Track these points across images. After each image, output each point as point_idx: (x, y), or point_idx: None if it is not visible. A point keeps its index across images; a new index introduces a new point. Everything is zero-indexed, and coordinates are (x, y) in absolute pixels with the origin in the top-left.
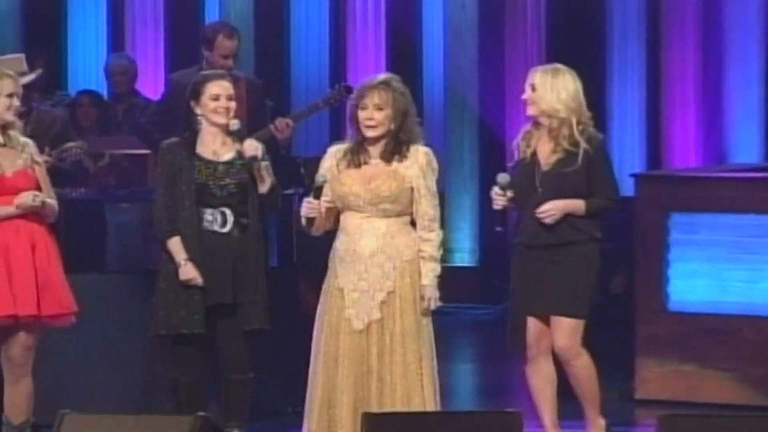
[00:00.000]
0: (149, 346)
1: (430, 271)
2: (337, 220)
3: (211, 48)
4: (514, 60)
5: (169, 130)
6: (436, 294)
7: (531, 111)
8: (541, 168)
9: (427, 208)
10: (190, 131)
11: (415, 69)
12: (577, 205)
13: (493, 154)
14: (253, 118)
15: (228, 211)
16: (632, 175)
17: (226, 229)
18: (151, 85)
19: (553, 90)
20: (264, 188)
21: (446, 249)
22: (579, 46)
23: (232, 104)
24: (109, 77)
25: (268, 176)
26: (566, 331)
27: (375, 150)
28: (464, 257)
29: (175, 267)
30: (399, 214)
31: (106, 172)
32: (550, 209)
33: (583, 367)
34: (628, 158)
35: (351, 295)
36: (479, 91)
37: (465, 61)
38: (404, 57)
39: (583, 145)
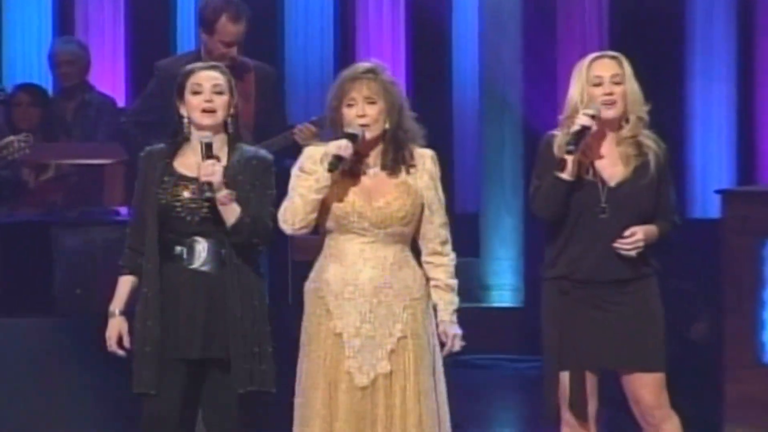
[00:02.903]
0: (112, 408)
1: (450, 304)
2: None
3: (211, 32)
4: (567, 49)
5: (156, 132)
6: (460, 331)
7: (614, 113)
8: (607, 183)
9: (440, 227)
10: (178, 137)
11: (442, 60)
12: (653, 232)
13: None
14: (266, 118)
15: (201, 241)
16: (718, 191)
17: (196, 264)
18: (109, 76)
19: (633, 80)
20: (227, 222)
21: (482, 286)
22: (651, 34)
23: (221, 100)
24: (54, 67)
25: (230, 209)
26: (654, 387)
27: (372, 156)
28: (504, 296)
29: (145, 291)
30: (405, 240)
31: (51, 187)
32: (638, 238)
33: None
34: (713, 171)
35: (352, 342)
36: (523, 89)
37: (506, 50)
38: (428, 44)
39: (653, 148)
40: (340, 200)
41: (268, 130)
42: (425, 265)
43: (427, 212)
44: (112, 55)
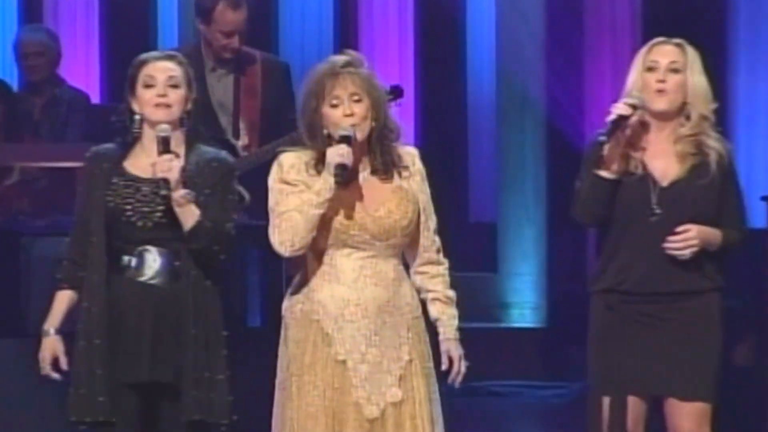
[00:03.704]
0: None
1: (453, 319)
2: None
3: (209, 21)
4: (595, 38)
5: None
6: (462, 351)
7: (665, 104)
8: (659, 183)
9: (435, 234)
10: (128, 136)
11: (454, 51)
12: (714, 235)
13: (566, 171)
14: (274, 114)
15: (153, 251)
16: (765, 198)
17: (146, 277)
18: (82, 69)
19: (699, 72)
20: (185, 226)
21: (500, 304)
22: (690, 24)
23: (177, 94)
24: (20, 59)
25: (188, 211)
26: (696, 418)
27: (359, 159)
28: (525, 315)
29: (87, 306)
30: (400, 252)
31: (16, 193)
32: (691, 235)
33: None
34: (758, 175)
35: (358, 369)
36: (547, 84)
37: (526, 39)
38: (439, 33)
39: (716, 147)
40: (336, 212)
41: (276, 129)
42: (417, 276)
43: (422, 217)
44: (85, 45)
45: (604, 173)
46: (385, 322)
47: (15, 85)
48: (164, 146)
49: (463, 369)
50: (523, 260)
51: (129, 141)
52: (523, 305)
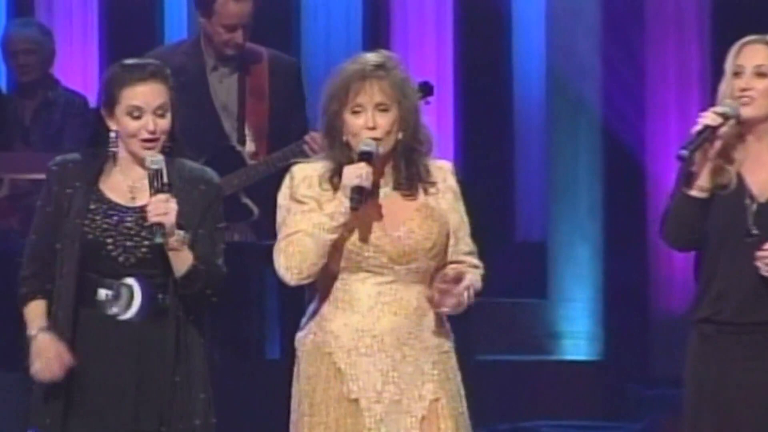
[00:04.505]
0: None
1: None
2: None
3: (209, 14)
4: (657, 32)
5: None
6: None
7: (751, 110)
8: (756, 198)
9: (467, 256)
10: (100, 150)
11: (499, 48)
12: None
13: (624, 183)
14: (284, 118)
15: (132, 284)
16: None
17: (129, 314)
18: (79, 68)
19: None
20: (177, 271)
21: (551, 334)
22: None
23: (164, 122)
24: (9, 58)
25: (183, 255)
26: None
27: (380, 173)
28: (580, 347)
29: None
30: (427, 278)
31: (5, 209)
32: None
33: None
34: None
35: (372, 409)
36: (603, 84)
37: (580, 35)
38: (482, 28)
39: None
40: (350, 231)
41: (286, 135)
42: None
43: (452, 240)
44: (82, 42)
45: (692, 192)
46: (405, 356)
47: (3, 87)
48: (158, 183)
49: (466, 293)
50: (576, 284)
51: (100, 154)
52: (577, 335)
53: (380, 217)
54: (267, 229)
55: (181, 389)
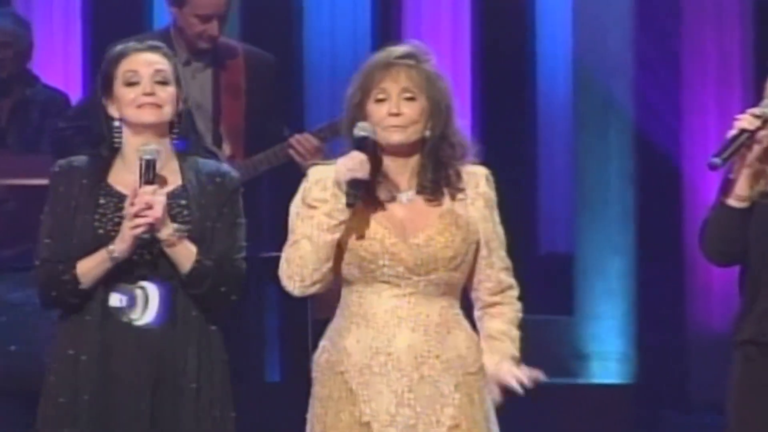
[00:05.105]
0: None
1: (512, 346)
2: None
3: (181, 3)
4: (695, 26)
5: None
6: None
7: None
8: None
9: (501, 272)
10: (104, 148)
11: (521, 41)
12: None
13: (658, 190)
14: (258, 119)
15: (150, 288)
16: None
17: (144, 320)
18: (60, 65)
19: None
20: (181, 269)
21: (578, 354)
22: None
23: (166, 92)
24: None
25: (182, 250)
26: None
27: (404, 175)
28: (611, 369)
29: (74, 354)
30: (454, 291)
31: None
32: None
33: None
34: None
35: None
36: (636, 82)
37: (610, 28)
38: (502, 20)
39: None
40: (363, 237)
41: (263, 137)
42: (479, 321)
43: (483, 251)
44: (64, 35)
45: (730, 201)
46: (423, 376)
47: None
48: (147, 173)
49: (527, 373)
50: (606, 300)
51: (105, 154)
52: (606, 356)
53: (399, 222)
54: (259, 240)
55: (198, 398)
